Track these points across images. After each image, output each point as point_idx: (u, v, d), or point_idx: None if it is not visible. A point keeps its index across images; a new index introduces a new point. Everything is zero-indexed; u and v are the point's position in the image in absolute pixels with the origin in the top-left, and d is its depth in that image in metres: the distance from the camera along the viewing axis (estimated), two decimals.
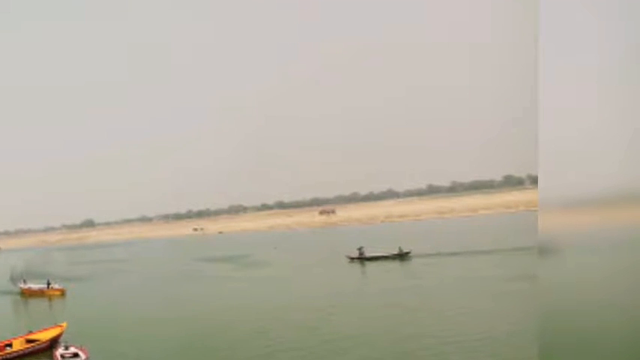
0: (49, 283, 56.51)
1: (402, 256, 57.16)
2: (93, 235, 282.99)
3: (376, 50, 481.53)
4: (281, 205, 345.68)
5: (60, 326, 32.85)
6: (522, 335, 22.94)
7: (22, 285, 57.77)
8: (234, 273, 62.14)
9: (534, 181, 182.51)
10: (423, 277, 46.81)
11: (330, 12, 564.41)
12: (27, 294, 56.84)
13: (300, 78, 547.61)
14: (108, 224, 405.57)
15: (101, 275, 73.73)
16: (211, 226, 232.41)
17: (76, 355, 27.49)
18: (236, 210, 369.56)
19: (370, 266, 56.15)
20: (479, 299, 33.37)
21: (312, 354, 25.10)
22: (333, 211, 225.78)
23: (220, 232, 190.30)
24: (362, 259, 57.92)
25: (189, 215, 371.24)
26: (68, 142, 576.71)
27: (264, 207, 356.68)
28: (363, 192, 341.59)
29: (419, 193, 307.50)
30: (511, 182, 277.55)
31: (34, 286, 57.34)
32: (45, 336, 31.58)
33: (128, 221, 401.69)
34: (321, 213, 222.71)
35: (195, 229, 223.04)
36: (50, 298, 53.54)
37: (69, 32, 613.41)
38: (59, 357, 27.51)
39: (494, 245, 61.01)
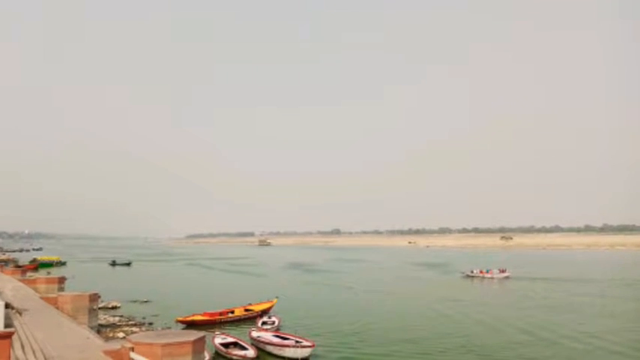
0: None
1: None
2: (336, 241, 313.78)
3: None
4: (477, 230, 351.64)
5: (271, 302, 33.46)
6: None
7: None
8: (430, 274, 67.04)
9: None
10: (490, 288, 48.90)
11: None
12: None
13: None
14: (350, 233, 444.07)
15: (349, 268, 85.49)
16: (421, 241, 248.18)
17: (273, 322, 27.70)
18: (443, 231, 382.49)
19: (475, 280, 58.08)
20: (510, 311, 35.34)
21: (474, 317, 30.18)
22: (510, 238, 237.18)
23: (427, 246, 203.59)
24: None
25: (408, 232, 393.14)
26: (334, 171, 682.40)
27: (464, 230, 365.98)
28: (538, 225, 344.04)
29: (577, 230, 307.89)
30: None
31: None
32: (258, 307, 31.90)
33: (365, 232, 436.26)
34: (501, 238, 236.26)
35: (409, 242, 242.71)
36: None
37: None
38: (260, 323, 27.40)
39: (589, 275, 61.49)
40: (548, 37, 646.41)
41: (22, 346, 14.22)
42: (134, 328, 26.70)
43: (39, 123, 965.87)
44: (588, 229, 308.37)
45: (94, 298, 24.11)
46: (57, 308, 23.09)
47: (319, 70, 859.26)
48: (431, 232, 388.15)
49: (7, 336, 9.00)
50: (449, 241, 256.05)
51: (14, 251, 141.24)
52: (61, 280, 34.03)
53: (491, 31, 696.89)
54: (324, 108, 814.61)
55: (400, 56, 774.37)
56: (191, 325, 27.95)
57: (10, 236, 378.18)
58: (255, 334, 23.64)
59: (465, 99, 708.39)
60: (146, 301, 38.98)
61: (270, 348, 21.53)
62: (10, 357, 9.20)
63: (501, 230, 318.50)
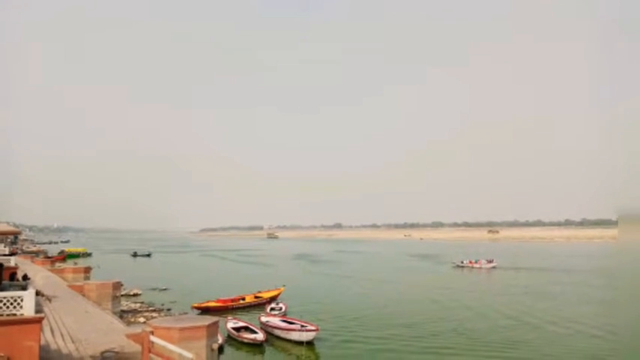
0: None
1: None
2: (337, 234, 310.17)
3: None
4: (466, 224, 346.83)
5: (279, 289, 33.14)
6: None
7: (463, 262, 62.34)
8: (423, 264, 66.70)
9: None
10: (479, 278, 47.37)
11: None
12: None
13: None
14: (350, 227, 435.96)
15: (346, 258, 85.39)
16: (416, 234, 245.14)
17: (280, 308, 27.66)
18: (436, 225, 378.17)
19: (465, 270, 57.71)
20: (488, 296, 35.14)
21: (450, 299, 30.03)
22: (497, 231, 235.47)
23: (421, 239, 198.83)
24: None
25: (404, 226, 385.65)
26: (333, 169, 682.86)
27: (455, 224, 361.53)
28: (522, 219, 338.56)
29: (558, 224, 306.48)
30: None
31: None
32: (266, 295, 31.75)
33: (364, 226, 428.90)
34: (489, 232, 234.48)
35: (405, 235, 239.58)
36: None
37: None
38: (268, 309, 27.40)
39: (569, 265, 61.10)
40: (539, 42, 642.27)
41: (52, 330, 14.24)
42: (154, 314, 26.77)
43: (66, 126, 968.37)
44: (568, 223, 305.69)
45: (117, 286, 24.17)
46: (83, 295, 23.14)
47: (324, 76, 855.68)
48: (425, 225, 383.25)
49: (38, 321, 9.00)
50: (441, 234, 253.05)
51: (44, 243, 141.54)
52: (87, 269, 34.20)
53: (489, 36, 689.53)
54: (338, 108, 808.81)
55: (401, 61, 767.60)
56: (206, 310, 27.94)
57: (41, 230, 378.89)
58: (264, 319, 23.62)
59: (459, 103, 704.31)
60: (165, 289, 39.04)
61: (277, 332, 21.54)
62: (40, 340, 9.20)
63: (489, 224, 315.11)
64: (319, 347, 19.97)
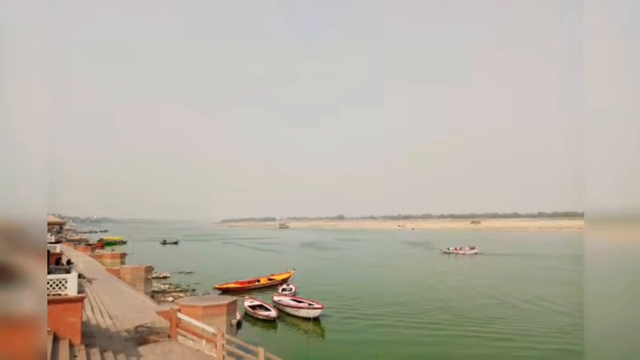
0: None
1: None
2: (340, 224, 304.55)
3: None
4: (452, 216, 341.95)
5: (289, 273, 32.90)
6: None
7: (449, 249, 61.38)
8: (415, 251, 66.28)
9: None
10: (463, 262, 46.91)
11: None
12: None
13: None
14: (351, 218, 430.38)
15: (348, 246, 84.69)
16: (408, 225, 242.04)
17: (290, 289, 27.10)
18: (426, 216, 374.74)
19: (450, 256, 56.85)
20: (471, 279, 34.85)
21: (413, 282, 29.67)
22: (479, 222, 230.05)
23: (413, 229, 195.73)
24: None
25: (398, 217, 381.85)
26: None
27: (442, 216, 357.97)
28: (501, 212, 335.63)
29: (532, 216, 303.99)
30: None
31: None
32: (279, 277, 31.50)
33: (363, 218, 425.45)
34: (472, 222, 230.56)
35: (399, 226, 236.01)
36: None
37: None
38: (280, 289, 27.17)
39: (541, 252, 60.48)
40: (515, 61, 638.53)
41: (92, 308, 14.31)
42: (180, 294, 26.80)
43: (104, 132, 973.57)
44: (541, 215, 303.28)
45: (149, 269, 24.26)
46: (119, 278, 23.26)
47: (316, 94, 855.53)
48: (416, 217, 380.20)
49: (80, 300, 9.04)
50: (430, 224, 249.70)
51: (85, 233, 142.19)
52: (123, 255, 34.33)
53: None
54: (335, 118, 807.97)
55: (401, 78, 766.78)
56: (226, 291, 27.99)
57: (82, 221, 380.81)
58: (276, 298, 23.64)
59: (453, 111, 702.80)
60: (190, 272, 39.11)
61: (288, 309, 21.57)
62: (82, 317, 9.25)
63: (472, 216, 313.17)
64: (324, 323, 19.98)
